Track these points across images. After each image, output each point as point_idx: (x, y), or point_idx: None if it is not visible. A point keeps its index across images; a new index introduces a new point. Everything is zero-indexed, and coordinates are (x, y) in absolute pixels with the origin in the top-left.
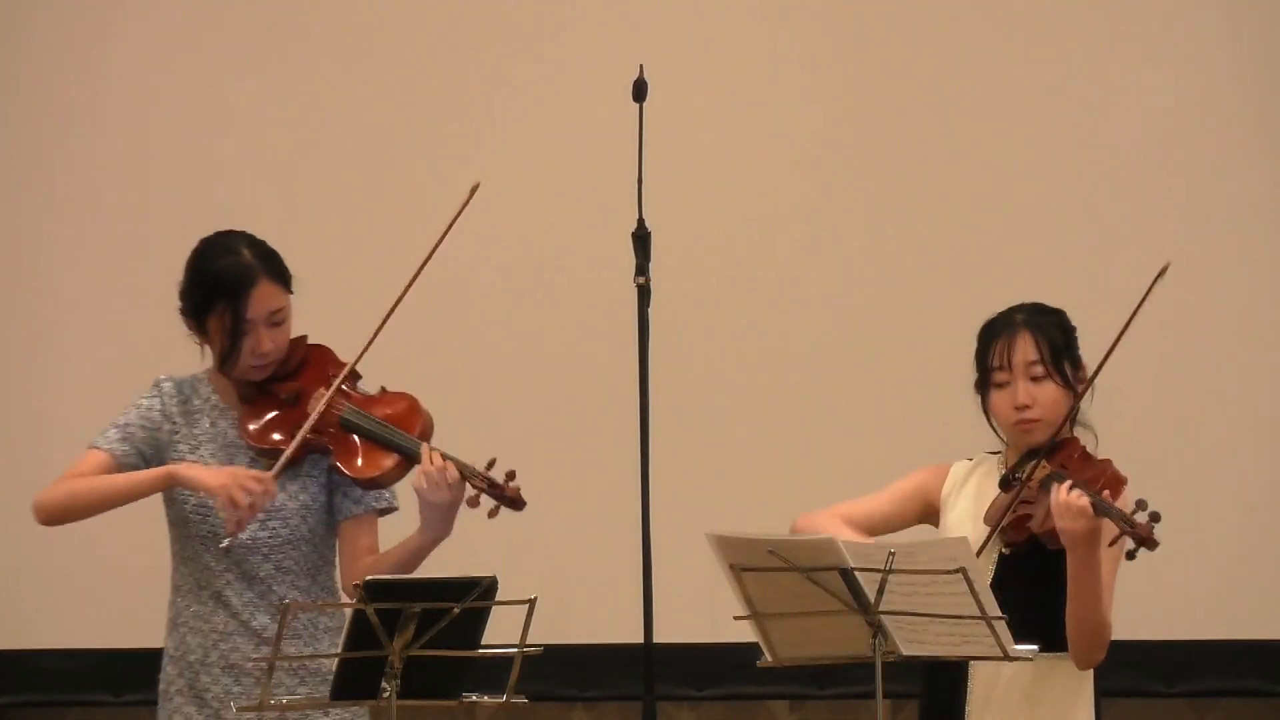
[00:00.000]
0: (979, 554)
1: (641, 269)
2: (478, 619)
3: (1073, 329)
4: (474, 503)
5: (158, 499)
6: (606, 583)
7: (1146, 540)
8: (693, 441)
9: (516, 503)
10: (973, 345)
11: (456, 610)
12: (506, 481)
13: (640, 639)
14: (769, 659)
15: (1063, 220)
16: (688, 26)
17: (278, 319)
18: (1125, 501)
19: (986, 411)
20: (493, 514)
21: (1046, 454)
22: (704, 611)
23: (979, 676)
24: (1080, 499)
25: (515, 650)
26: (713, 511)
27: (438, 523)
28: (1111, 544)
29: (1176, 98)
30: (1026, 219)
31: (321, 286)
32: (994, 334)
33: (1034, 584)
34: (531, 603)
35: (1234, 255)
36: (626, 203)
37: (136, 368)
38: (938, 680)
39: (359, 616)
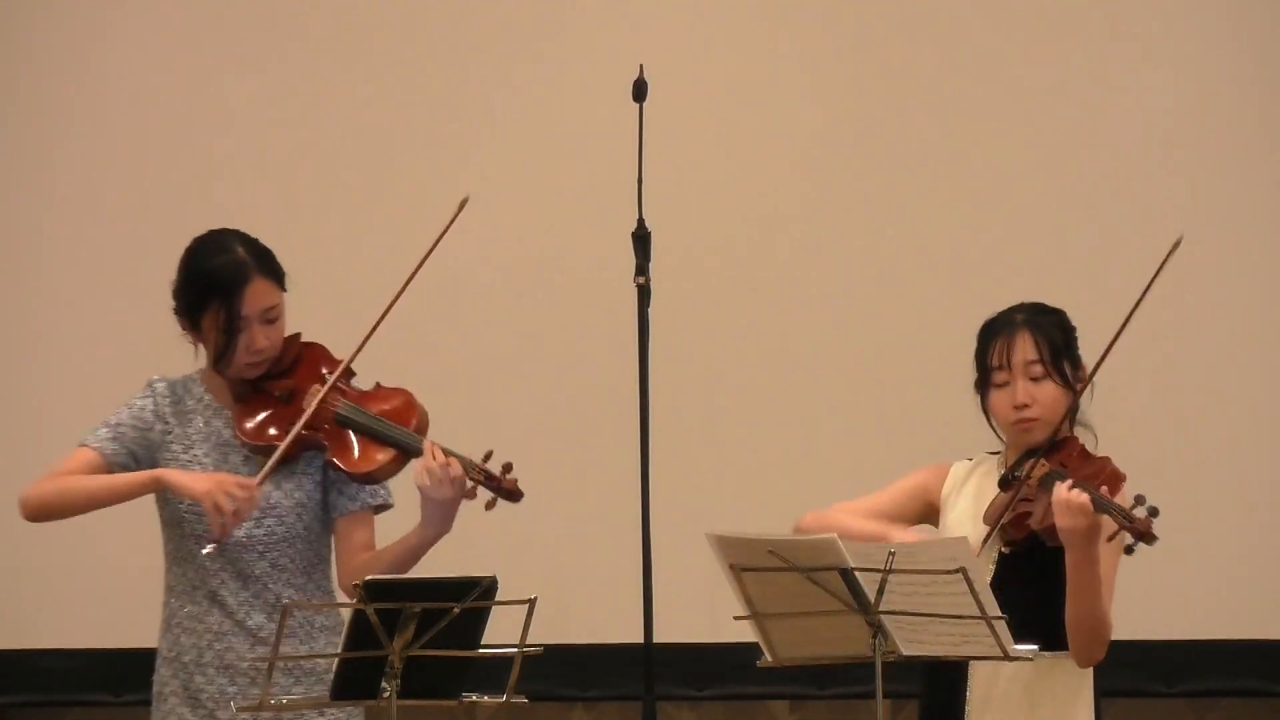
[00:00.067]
0: (979, 553)
1: (641, 269)
2: (478, 619)
3: (1073, 329)
4: (471, 495)
5: (153, 498)
6: (606, 583)
7: (1145, 535)
8: (693, 441)
9: (514, 494)
10: (973, 345)
11: (456, 610)
12: (504, 473)
13: (640, 639)
14: (769, 659)
15: (1063, 220)
16: (688, 26)
17: (271, 316)
18: (1124, 497)
19: (986, 411)
20: (490, 506)
21: (1045, 452)
22: (704, 611)
23: (978, 676)
24: (1080, 496)
25: (515, 650)
26: (713, 511)
27: (439, 519)
28: (1110, 539)
29: (1176, 98)
30: (1026, 219)
31: (322, 286)
32: (993, 333)
33: (1034, 583)
34: (531, 603)
35: (1234, 255)
36: (626, 203)
37: (136, 368)
38: (937, 680)
39: (359, 616)
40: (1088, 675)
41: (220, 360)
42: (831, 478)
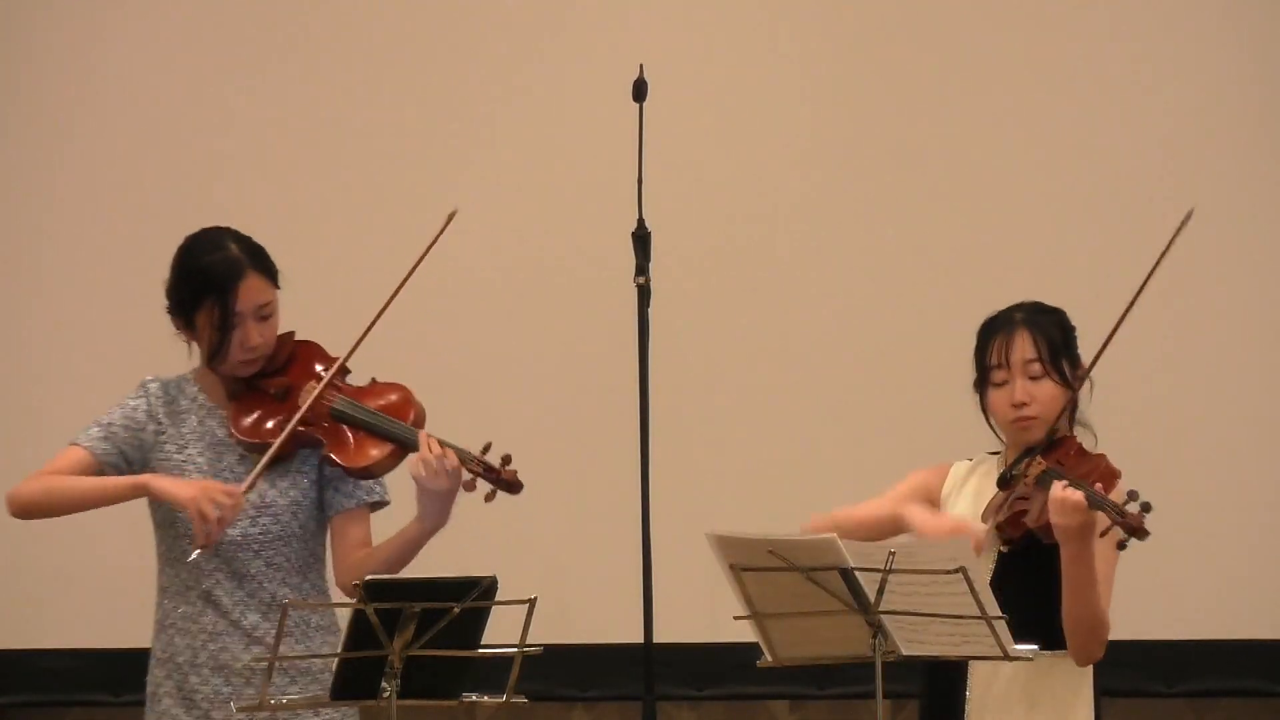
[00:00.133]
0: (986, 546)
1: (641, 269)
2: (478, 619)
3: (1072, 328)
4: (470, 486)
5: (146, 500)
6: (606, 583)
7: (1137, 530)
8: (693, 441)
9: (513, 485)
10: (972, 345)
11: (456, 610)
12: (502, 465)
13: (640, 639)
14: (769, 659)
15: (1062, 220)
16: (688, 26)
17: (265, 313)
18: (1118, 494)
19: (985, 410)
20: (489, 498)
21: (1042, 451)
22: (704, 611)
23: (978, 676)
24: (1074, 494)
25: (515, 650)
26: (713, 511)
27: (436, 511)
28: (1103, 534)
29: (1176, 98)
30: (1026, 218)
31: (322, 286)
32: (993, 332)
33: (1033, 582)
34: (531, 603)
35: (1234, 255)
36: (626, 203)
37: (135, 367)
38: (937, 680)
39: (359, 616)
40: (1087, 674)
41: (214, 357)
42: (831, 477)
